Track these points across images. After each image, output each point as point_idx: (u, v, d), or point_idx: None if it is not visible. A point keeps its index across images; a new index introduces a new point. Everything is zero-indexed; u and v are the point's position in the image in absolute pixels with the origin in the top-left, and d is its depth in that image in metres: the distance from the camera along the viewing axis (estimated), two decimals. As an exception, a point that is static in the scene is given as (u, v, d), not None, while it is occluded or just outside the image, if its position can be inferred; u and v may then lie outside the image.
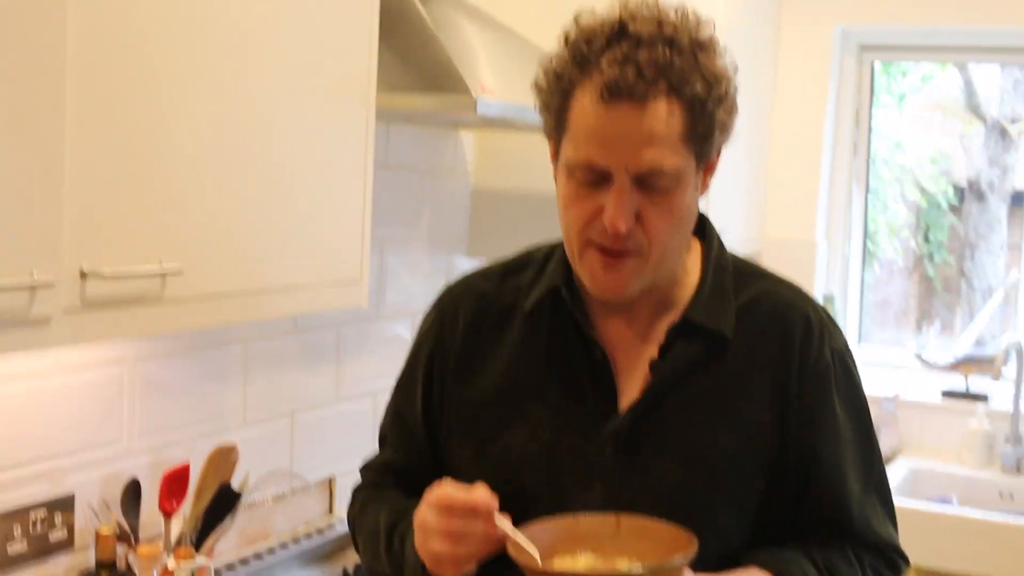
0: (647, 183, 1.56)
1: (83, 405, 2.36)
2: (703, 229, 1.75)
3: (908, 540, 1.83)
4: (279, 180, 2.17)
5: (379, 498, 1.83)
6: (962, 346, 4.65)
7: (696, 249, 1.75)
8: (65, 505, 2.33)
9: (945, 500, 4.12)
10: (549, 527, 1.57)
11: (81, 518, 2.37)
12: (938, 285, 5.19)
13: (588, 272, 1.64)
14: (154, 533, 2.51)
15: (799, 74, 4.61)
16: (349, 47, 2.32)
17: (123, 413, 2.45)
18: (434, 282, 3.46)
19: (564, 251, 1.70)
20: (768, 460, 1.67)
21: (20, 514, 2.24)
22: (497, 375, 1.73)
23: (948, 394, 4.48)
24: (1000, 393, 4.41)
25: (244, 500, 2.61)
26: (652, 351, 1.70)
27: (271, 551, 2.85)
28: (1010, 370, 4.30)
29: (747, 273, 1.77)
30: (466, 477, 1.69)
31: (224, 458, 2.59)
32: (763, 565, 1.64)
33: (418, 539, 1.59)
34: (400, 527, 1.70)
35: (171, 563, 2.26)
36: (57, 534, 2.32)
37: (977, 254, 5.16)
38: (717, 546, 1.60)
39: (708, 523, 1.60)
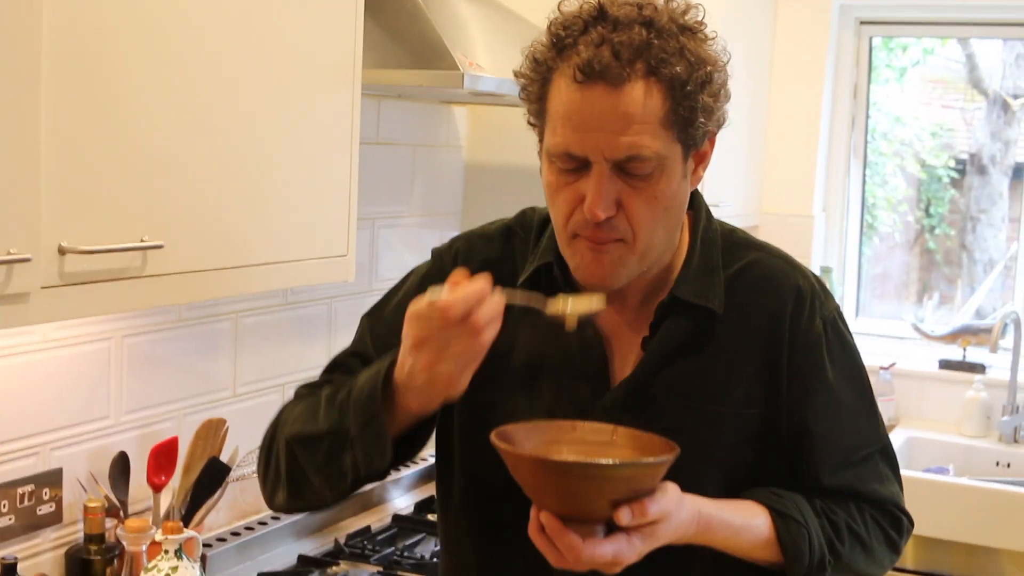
0: (627, 169, 1.53)
1: (71, 380, 2.37)
2: (692, 201, 1.72)
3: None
4: (263, 155, 2.17)
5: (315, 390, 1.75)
6: (961, 317, 4.65)
7: (685, 223, 1.72)
8: (53, 480, 2.34)
9: (942, 469, 4.13)
10: (545, 427, 1.58)
11: (69, 493, 2.38)
12: (939, 258, 5.18)
13: (576, 261, 1.62)
14: (143, 507, 2.53)
15: (797, 48, 4.60)
16: (334, 23, 2.32)
17: (111, 387, 2.46)
18: (426, 257, 3.45)
19: None
20: (760, 431, 1.67)
21: (8, 489, 2.25)
22: (494, 347, 1.72)
23: (946, 364, 4.49)
24: (998, 363, 4.42)
25: (234, 474, 2.63)
26: (644, 330, 1.69)
27: (263, 523, 2.86)
28: (1007, 341, 4.31)
29: (736, 244, 1.75)
30: (460, 446, 1.70)
31: (213, 431, 2.61)
32: (758, 499, 1.64)
33: (406, 355, 1.50)
34: (347, 384, 1.64)
35: (159, 536, 2.27)
36: (45, 509, 2.33)
37: (978, 227, 5.14)
38: None
39: (697, 494, 1.60)
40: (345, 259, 2.42)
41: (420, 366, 1.49)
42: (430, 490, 3.20)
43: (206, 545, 2.64)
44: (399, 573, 2.73)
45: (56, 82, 1.73)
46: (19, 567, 2.16)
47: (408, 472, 3.34)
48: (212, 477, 2.56)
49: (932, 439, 4.32)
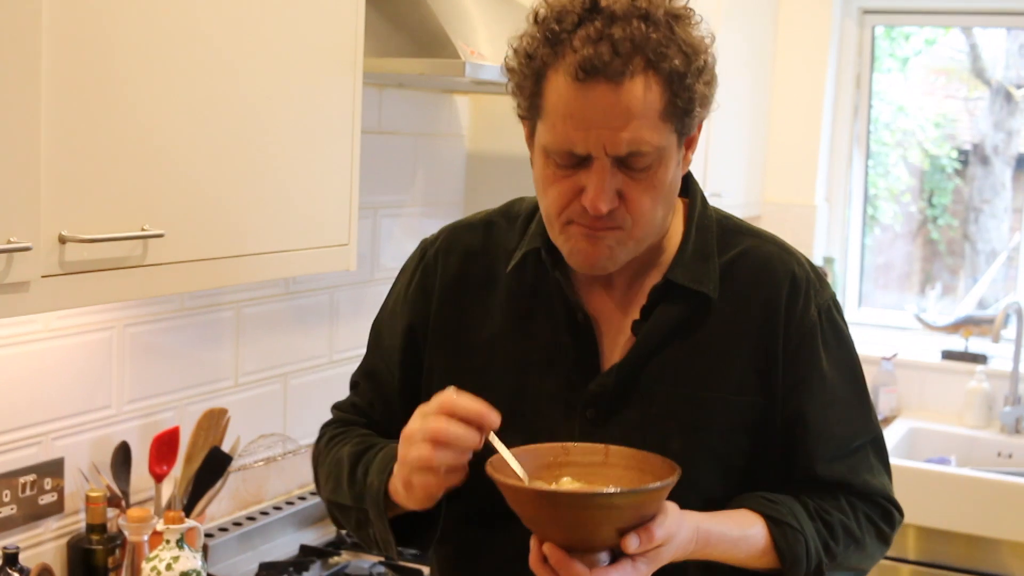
0: (628, 163, 1.53)
1: (73, 369, 2.37)
2: (686, 187, 1.72)
3: (907, 500, 1.83)
4: (264, 144, 2.17)
5: (346, 433, 1.80)
6: (963, 308, 4.65)
7: (679, 208, 1.72)
8: (55, 469, 2.34)
9: (944, 460, 4.13)
10: (537, 452, 1.56)
11: (71, 482, 2.38)
12: (942, 248, 5.17)
13: (569, 246, 1.60)
14: (145, 497, 2.53)
15: (800, 38, 4.60)
16: (336, 11, 2.31)
17: (113, 377, 2.46)
18: (429, 246, 3.46)
19: None
20: (753, 419, 1.66)
21: (9, 478, 2.25)
22: (482, 336, 1.72)
23: (948, 355, 4.49)
24: (1000, 354, 4.42)
25: (235, 463, 2.63)
26: (634, 313, 1.68)
27: (264, 513, 2.86)
28: (1010, 332, 4.31)
29: (731, 230, 1.74)
30: None
31: (215, 421, 2.60)
32: (752, 506, 1.64)
33: (401, 450, 1.53)
34: (366, 457, 1.68)
35: (161, 526, 2.27)
36: (47, 498, 2.33)
37: (981, 218, 5.13)
38: (700, 505, 1.58)
39: (690, 485, 1.56)
40: (347, 248, 2.42)
41: (400, 481, 1.55)
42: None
43: (207, 535, 2.64)
44: (400, 564, 2.72)
45: (56, 71, 1.72)
46: (21, 557, 2.16)
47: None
48: (214, 467, 2.56)
49: (934, 430, 4.32)
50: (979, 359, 4.41)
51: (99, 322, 2.40)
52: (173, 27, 1.94)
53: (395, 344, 1.79)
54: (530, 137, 1.63)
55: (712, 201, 1.79)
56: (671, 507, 1.49)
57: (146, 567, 2.25)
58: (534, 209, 1.74)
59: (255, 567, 2.67)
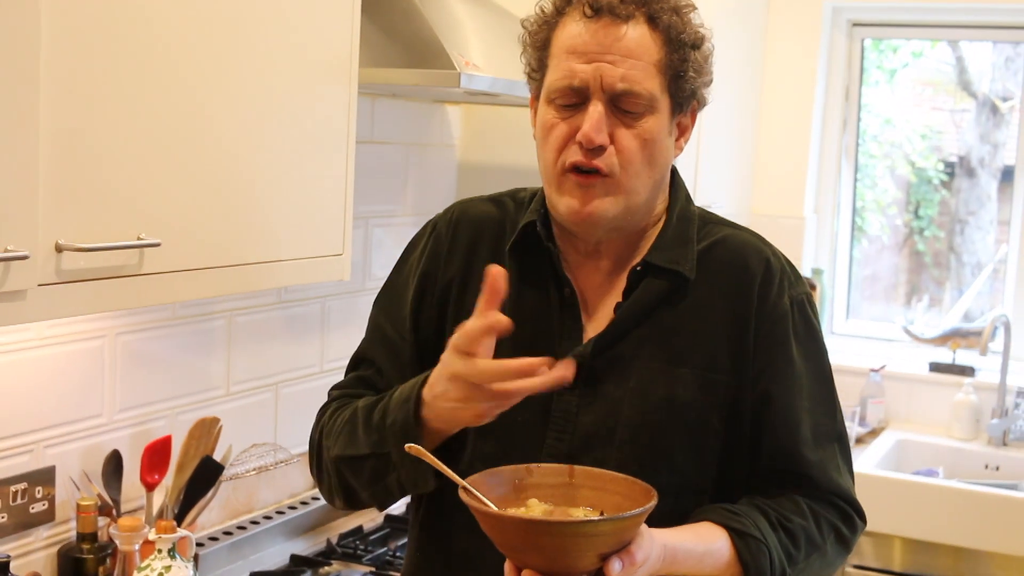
0: (620, 106, 1.65)
1: (65, 377, 2.36)
2: (672, 181, 1.82)
3: (895, 511, 1.84)
4: (260, 154, 2.17)
5: (353, 399, 1.81)
6: (950, 320, 4.66)
7: (664, 198, 1.81)
8: (46, 478, 2.34)
9: (932, 472, 4.14)
10: (500, 475, 1.57)
11: (62, 491, 2.37)
12: (928, 260, 5.19)
13: (565, 201, 1.69)
14: (136, 506, 2.52)
15: (789, 50, 4.61)
16: (332, 23, 2.31)
17: (104, 386, 2.45)
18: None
19: (544, 193, 1.76)
20: (725, 401, 1.72)
21: (1, 487, 2.24)
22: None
23: (936, 367, 4.50)
24: (987, 366, 4.43)
25: (227, 472, 2.62)
26: (617, 295, 1.76)
27: (255, 523, 2.86)
28: (997, 344, 4.32)
29: (711, 221, 1.83)
30: None
31: (207, 430, 2.60)
32: (715, 519, 1.66)
33: (440, 379, 1.56)
34: (382, 403, 1.69)
35: (153, 536, 2.27)
36: (38, 507, 2.33)
37: (967, 230, 5.15)
38: (673, 484, 1.63)
39: (664, 460, 1.68)
40: (341, 258, 2.42)
41: (451, 396, 1.55)
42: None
43: (198, 544, 2.64)
44: (391, 573, 2.72)
45: (54, 80, 1.73)
46: (11, 565, 2.15)
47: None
48: (206, 476, 2.55)
49: (922, 441, 4.33)
50: (967, 371, 4.42)
51: (91, 331, 2.40)
52: (170, 37, 1.94)
53: (406, 312, 1.83)
54: (535, 101, 1.76)
55: None
56: (644, 527, 1.51)
57: (138, 576, 2.25)
58: (535, 191, 1.84)
59: (246, 577, 2.67)
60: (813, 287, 4.45)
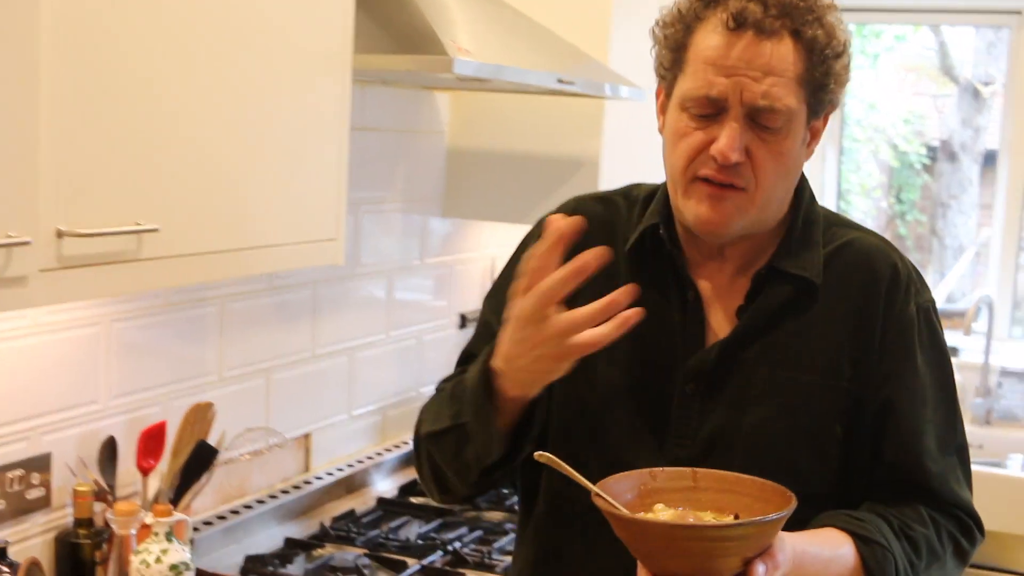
0: (759, 121, 1.59)
1: (60, 364, 2.37)
2: (798, 181, 1.76)
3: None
4: (256, 140, 2.18)
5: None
6: (933, 303, 4.70)
7: (790, 201, 1.76)
8: (42, 464, 2.35)
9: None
10: (624, 480, 1.54)
11: (58, 477, 2.38)
12: (910, 243, 5.22)
13: (693, 207, 1.64)
14: (131, 491, 2.53)
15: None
16: (326, 12, 2.33)
17: (100, 372, 2.46)
18: (408, 242, 3.48)
19: (666, 191, 1.72)
20: (847, 408, 1.68)
21: (-2, 472, 2.26)
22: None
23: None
24: (971, 347, 4.47)
25: (221, 457, 2.63)
26: (739, 299, 1.72)
27: (248, 507, 2.87)
28: (981, 325, 4.37)
29: (838, 223, 1.79)
30: (551, 401, 1.70)
31: (201, 415, 2.61)
32: (839, 525, 1.63)
33: (506, 338, 1.54)
34: (464, 376, 1.68)
35: (150, 519, 2.28)
36: (34, 493, 2.34)
37: (949, 213, 5.19)
38: (795, 488, 1.54)
39: (787, 465, 1.62)
40: (335, 243, 2.44)
41: (519, 350, 1.52)
42: (413, 474, 3.21)
43: (194, 528, 2.65)
44: (384, 555, 2.74)
45: (54, 67, 1.73)
46: (9, 551, 2.16)
47: (391, 456, 3.36)
48: (200, 460, 2.56)
49: (906, 422, 4.36)
50: (951, 351, 4.46)
51: (86, 318, 2.41)
52: (168, 25, 1.95)
53: None
54: (665, 100, 1.69)
55: None
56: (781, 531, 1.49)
57: (135, 560, 2.26)
58: (653, 191, 1.80)
59: (240, 560, 2.68)
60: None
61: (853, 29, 4.86)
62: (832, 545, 1.61)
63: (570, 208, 1.83)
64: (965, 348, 4.48)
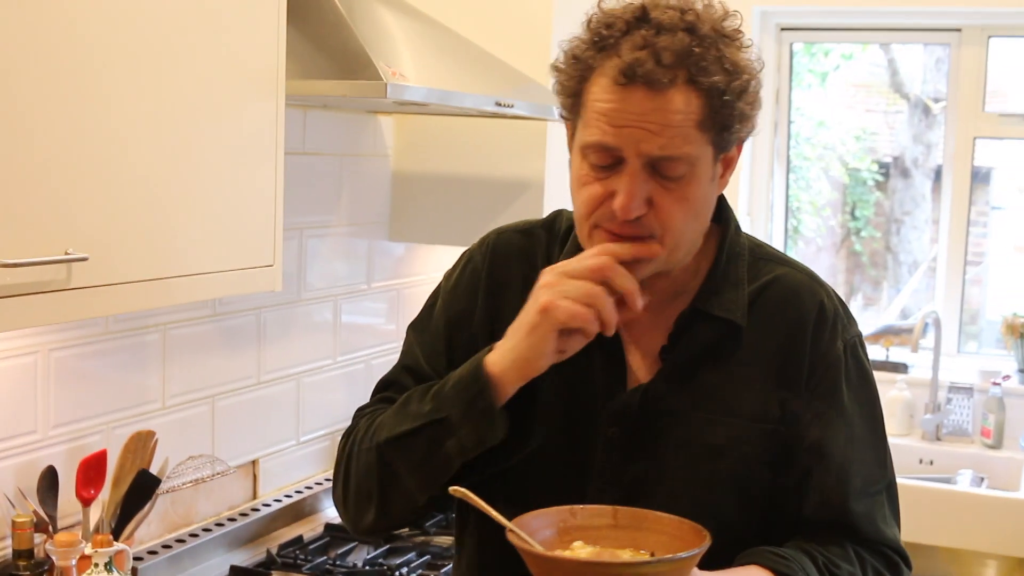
0: (659, 169, 1.55)
1: (-3, 394, 2.36)
2: (720, 213, 1.72)
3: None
4: (187, 166, 2.17)
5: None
6: (885, 318, 4.73)
7: (712, 233, 1.72)
8: (-20, 495, 2.33)
9: (867, 469, 4.19)
10: (543, 517, 1.54)
11: (-3, 507, 2.37)
12: (865, 260, 5.25)
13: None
14: (73, 521, 2.52)
15: (720, 54, 4.65)
16: (257, 34, 2.33)
17: (38, 402, 2.45)
18: (355, 266, 3.48)
19: None
20: (775, 449, 1.66)
21: (-66, 504, 2.24)
22: None
23: (869, 365, 4.56)
24: (920, 363, 4.50)
25: (164, 485, 2.62)
26: (661, 336, 1.69)
27: (194, 535, 2.86)
28: (928, 340, 4.40)
29: (763, 258, 1.76)
30: None
31: (142, 444, 2.60)
32: (762, 563, 1.61)
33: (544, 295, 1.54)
34: (436, 383, 1.67)
35: (89, 550, 2.27)
36: (-27, 524, 2.32)
37: (903, 229, 5.23)
38: (720, 534, 1.53)
39: (710, 512, 1.57)
40: (272, 269, 2.43)
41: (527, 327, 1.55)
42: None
43: (137, 558, 2.63)
44: (333, 582, 2.74)
45: (-24, 96, 1.73)
46: (-54, 584, 2.15)
47: (340, 481, 3.35)
48: (142, 489, 2.55)
49: (858, 438, 4.38)
50: (900, 368, 4.49)
51: (23, 347, 2.40)
52: (95, 51, 1.95)
53: (441, 347, 1.78)
54: (571, 139, 1.66)
55: None
56: (695, 569, 1.48)
57: (74, 591, 2.25)
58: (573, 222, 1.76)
59: (185, 589, 2.67)
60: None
61: (801, 48, 4.90)
62: None
63: (491, 240, 1.83)
64: (914, 364, 4.51)
